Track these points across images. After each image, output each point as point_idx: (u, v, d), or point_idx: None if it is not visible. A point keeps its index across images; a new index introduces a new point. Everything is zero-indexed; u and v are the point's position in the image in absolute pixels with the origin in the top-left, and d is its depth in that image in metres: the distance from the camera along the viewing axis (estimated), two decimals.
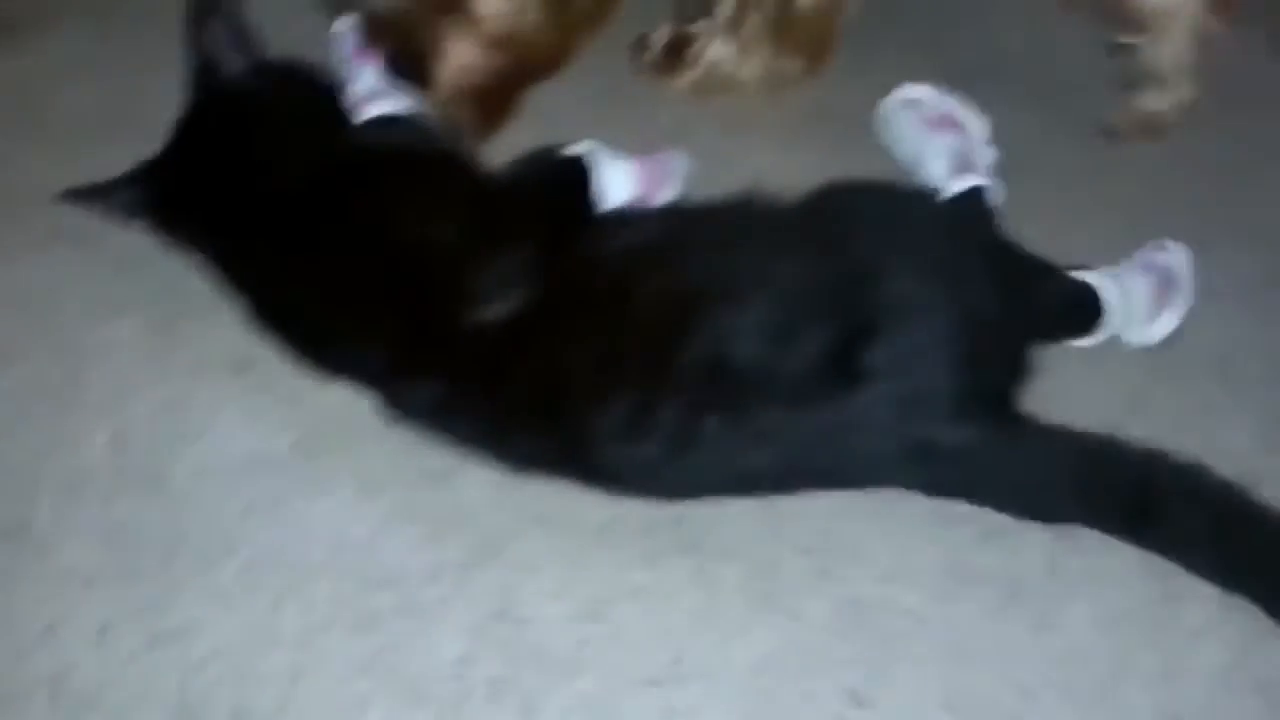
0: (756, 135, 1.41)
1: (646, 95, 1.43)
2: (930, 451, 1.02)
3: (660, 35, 1.44)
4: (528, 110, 1.37)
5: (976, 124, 1.37)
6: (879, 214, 1.13)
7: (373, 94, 1.25)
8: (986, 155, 1.34)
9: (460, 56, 1.25)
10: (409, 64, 1.26)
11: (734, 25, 1.38)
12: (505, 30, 1.23)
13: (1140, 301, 1.20)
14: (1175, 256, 1.26)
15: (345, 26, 1.34)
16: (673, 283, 1.03)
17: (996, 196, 1.28)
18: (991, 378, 1.05)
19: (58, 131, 1.33)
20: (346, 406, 1.08)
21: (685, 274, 1.04)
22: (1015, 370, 1.09)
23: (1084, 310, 1.17)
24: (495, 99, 1.30)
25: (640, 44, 1.46)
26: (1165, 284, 1.23)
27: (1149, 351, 1.21)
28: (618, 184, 1.21)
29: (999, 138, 1.34)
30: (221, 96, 1.16)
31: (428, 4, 1.22)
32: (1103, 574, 1.03)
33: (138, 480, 1.03)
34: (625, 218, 1.15)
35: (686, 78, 1.43)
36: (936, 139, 1.34)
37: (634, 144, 1.33)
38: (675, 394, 0.98)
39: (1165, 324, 1.22)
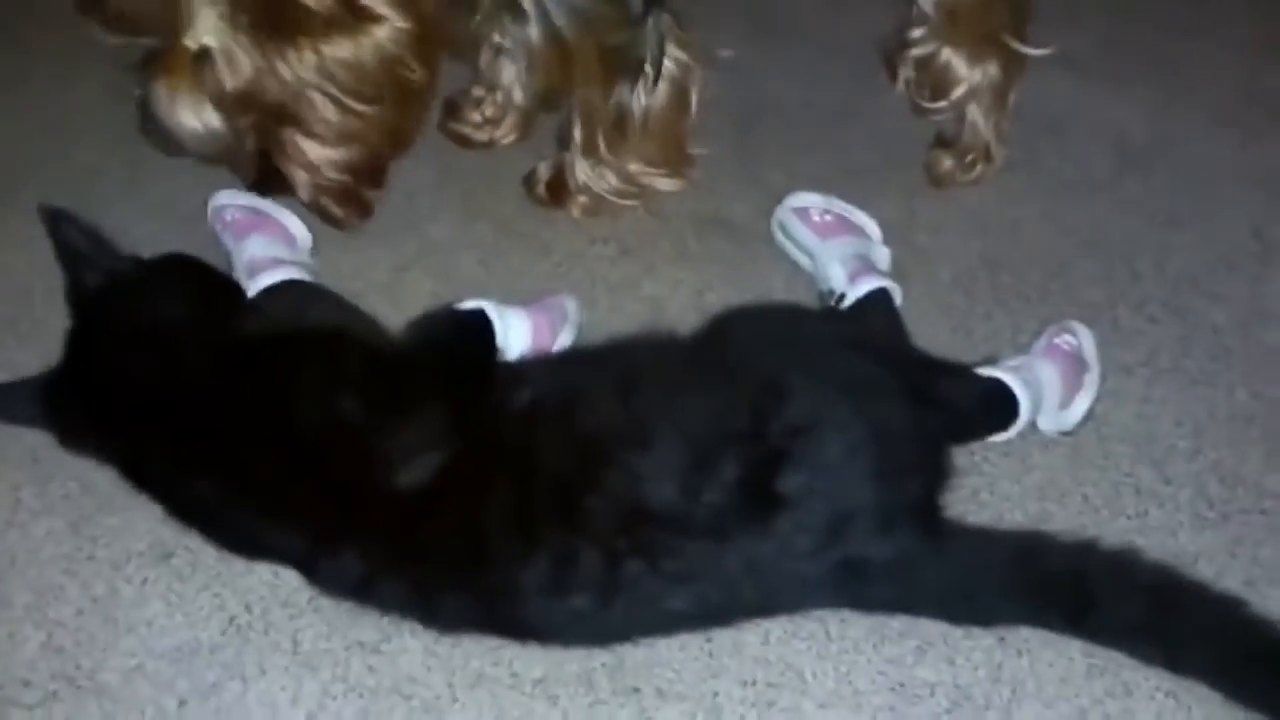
0: (653, 254, 1.43)
1: (536, 231, 1.46)
2: (858, 570, 1.01)
3: (544, 169, 1.48)
4: (422, 259, 1.41)
5: (871, 225, 1.40)
6: (775, 336, 1.14)
7: (261, 264, 1.27)
8: (883, 255, 1.38)
9: (308, 161, 1.30)
10: (269, 180, 1.33)
11: (587, 146, 1.42)
12: (341, 127, 1.27)
13: (1052, 389, 1.21)
14: (1081, 338, 1.28)
15: (220, 200, 1.37)
16: (579, 431, 1.03)
17: (897, 295, 1.31)
18: (910, 488, 1.05)
19: None
20: (273, 584, 1.07)
21: (591, 421, 1.03)
22: (934, 476, 1.09)
23: (998, 407, 1.18)
24: (355, 187, 1.35)
25: (530, 179, 1.50)
26: (1074, 368, 1.24)
27: (1069, 437, 1.22)
28: (516, 336, 1.22)
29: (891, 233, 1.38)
30: (99, 302, 1.16)
31: (266, 123, 1.26)
32: (1048, 675, 1.03)
33: (72, 682, 1.01)
34: (526, 368, 1.16)
35: (573, 204, 1.46)
36: (831, 244, 1.36)
37: (532, 281, 1.37)
38: (594, 543, 0.98)
39: (1079, 408, 1.23)
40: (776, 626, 1.05)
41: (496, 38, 1.44)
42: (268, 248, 1.30)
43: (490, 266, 1.40)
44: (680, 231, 1.45)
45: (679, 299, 1.37)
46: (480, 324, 1.19)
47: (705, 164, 1.50)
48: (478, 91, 1.56)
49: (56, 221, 1.19)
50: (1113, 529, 1.13)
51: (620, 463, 0.99)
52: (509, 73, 1.51)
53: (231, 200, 1.37)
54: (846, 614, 1.06)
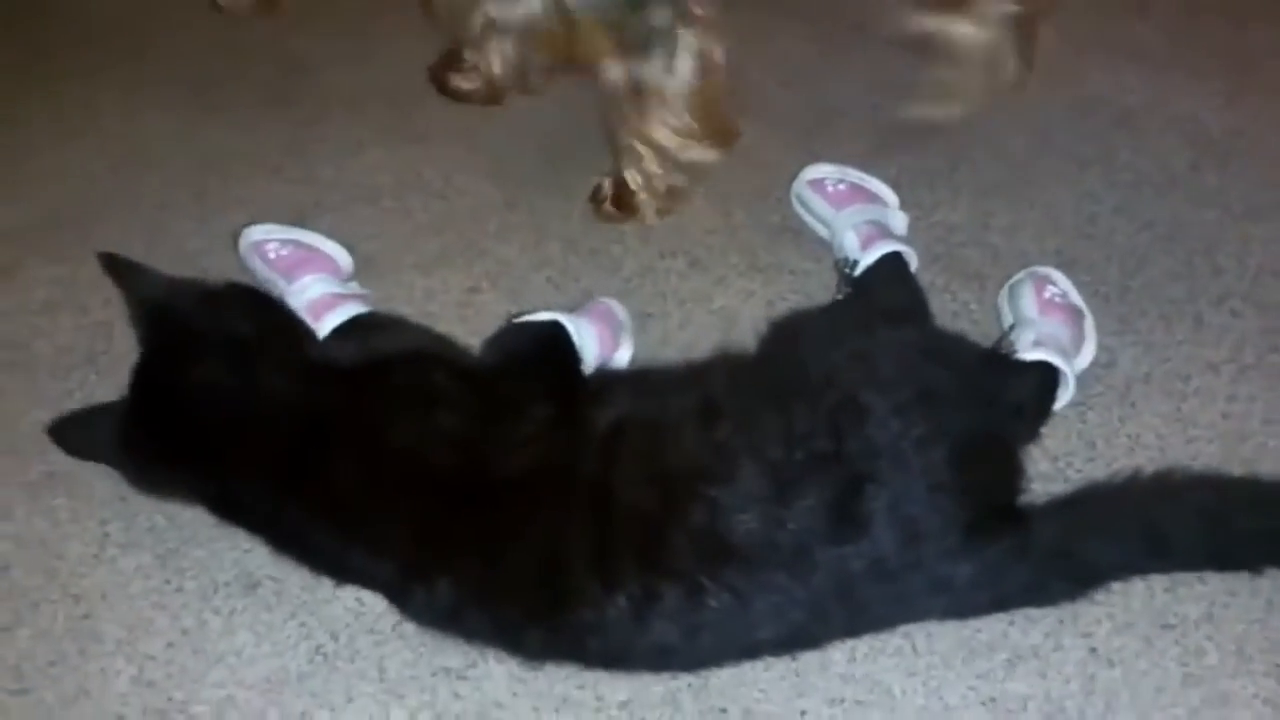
0: (723, 266, 1.42)
1: (605, 247, 1.45)
2: (945, 586, 1.00)
3: (606, 184, 1.48)
4: (493, 280, 1.40)
5: (886, 192, 1.41)
6: (847, 348, 1.12)
7: (323, 303, 1.26)
8: (899, 221, 1.38)
9: None
10: None
11: (622, 130, 1.43)
12: None
13: (1068, 345, 1.21)
14: (1062, 284, 1.28)
15: (256, 235, 1.35)
16: (660, 461, 1.02)
17: (911, 259, 1.31)
18: (989, 498, 1.04)
19: (44, 369, 1.34)
20: (359, 611, 1.08)
21: (672, 451, 1.03)
22: (1011, 482, 1.08)
23: (1050, 388, 1.18)
24: None
25: (595, 196, 1.50)
26: (1073, 318, 1.25)
27: (1086, 389, 1.22)
28: (588, 345, 1.22)
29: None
30: (168, 334, 1.16)
31: None
32: (1142, 685, 1.01)
33: (164, 716, 1.03)
34: (603, 389, 1.14)
35: (641, 208, 1.46)
36: (845, 212, 1.36)
37: (608, 294, 1.36)
38: (677, 579, 0.97)
39: (1088, 354, 1.24)
40: (863, 643, 1.04)
41: (489, 9, 1.43)
42: (324, 284, 1.29)
43: (560, 285, 1.40)
44: (750, 243, 1.44)
45: (750, 311, 1.36)
46: (559, 335, 1.19)
47: (772, 173, 1.50)
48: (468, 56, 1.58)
49: (113, 264, 1.22)
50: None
51: (702, 495, 0.98)
52: (494, 46, 1.50)
53: (269, 235, 1.36)
54: (934, 628, 1.05)
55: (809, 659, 1.03)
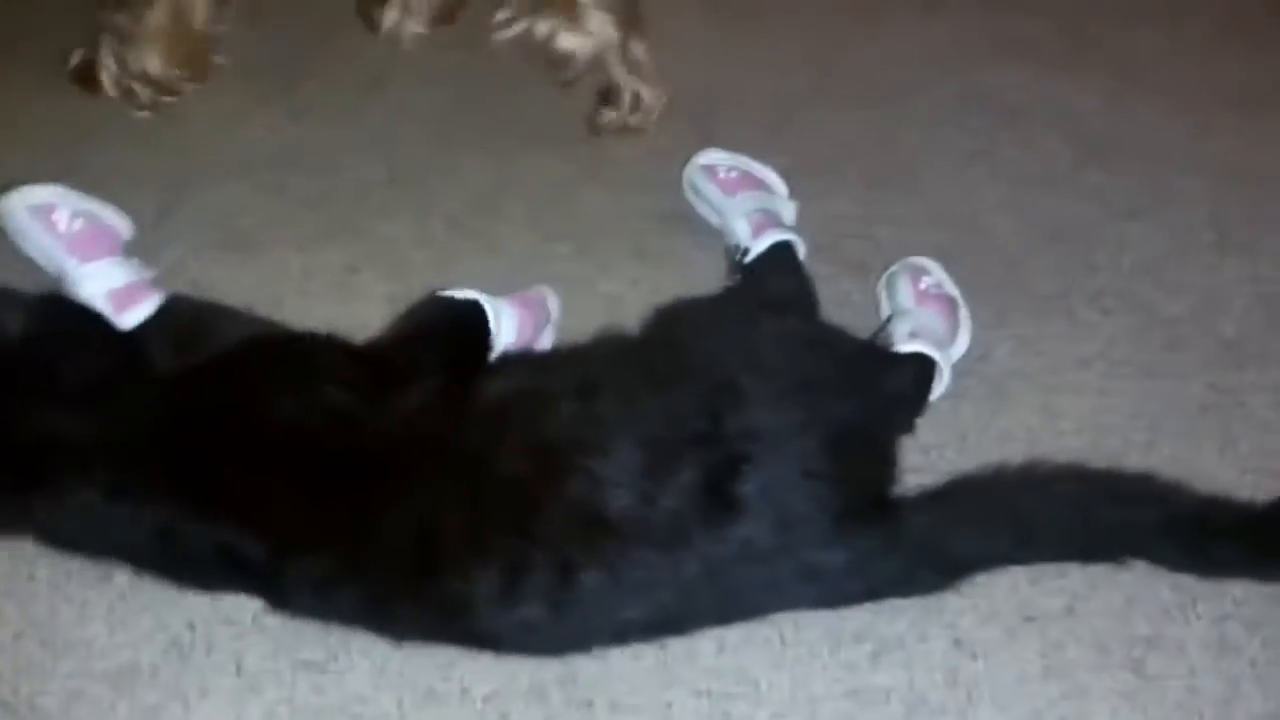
0: (609, 251, 1.41)
1: (490, 228, 1.43)
2: (816, 573, 1.01)
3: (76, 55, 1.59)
4: (374, 259, 1.37)
5: (776, 181, 1.41)
6: (729, 334, 1.14)
7: (127, 293, 1.18)
8: (789, 210, 1.39)
9: None
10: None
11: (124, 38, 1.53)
12: None
13: (945, 338, 1.23)
14: (936, 273, 1.30)
15: (32, 203, 1.22)
16: (537, 436, 1.02)
17: (800, 248, 1.32)
18: (862, 486, 1.05)
19: None
20: (215, 603, 1.05)
21: (549, 426, 1.02)
22: (883, 471, 1.09)
23: (926, 379, 1.19)
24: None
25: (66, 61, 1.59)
26: (948, 307, 1.27)
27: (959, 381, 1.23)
28: (506, 329, 1.21)
29: None
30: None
31: None
32: (1003, 678, 1.02)
33: (10, 708, 0.99)
34: (487, 369, 1.14)
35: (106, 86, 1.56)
36: (736, 199, 1.37)
37: (487, 281, 1.30)
38: (549, 551, 0.96)
39: (963, 343, 1.26)
40: (731, 634, 1.04)
41: None
42: (123, 271, 1.19)
43: (443, 266, 1.38)
44: (638, 228, 1.44)
45: (637, 297, 1.34)
46: (475, 314, 1.18)
47: (663, 158, 1.49)
48: None
49: None
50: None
51: (578, 468, 0.98)
52: None
53: (55, 200, 1.23)
54: (801, 618, 1.05)
55: (677, 650, 1.03)
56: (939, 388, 1.21)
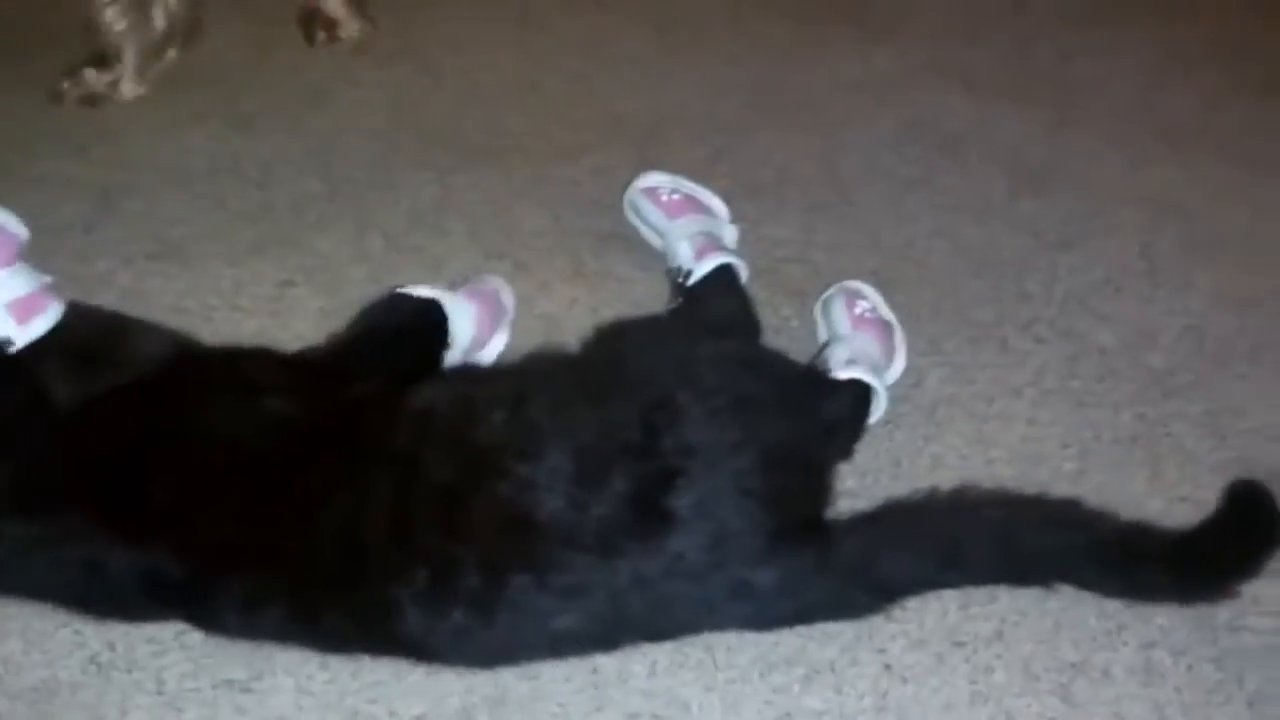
0: (548, 271, 1.41)
1: (429, 245, 1.43)
2: (747, 591, 1.01)
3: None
4: (310, 274, 1.36)
5: (717, 204, 1.42)
6: (668, 352, 1.13)
7: (30, 302, 1.10)
8: (730, 233, 1.40)
9: None
10: None
11: None
12: None
13: (881, 364, 1.25)
14: (871, 297, 1.32)
15: None
16: (468, 441, 1.01)
17: (742, 271, 1.33)
18: (795, 508, 1.05)
19: None
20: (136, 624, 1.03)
21: (480, 431, 1.01)
22: (818, 493, 1.10)
23: (863, 405, 1.20)
24: None
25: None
26: (884, 331, 1.29)
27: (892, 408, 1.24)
28: (463, 327, 1.22)
29: None
30: None
31: None
32: (932, 702, 1.02)
33: None
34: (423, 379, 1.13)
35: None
36: (679, 222, 1.38)
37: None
38: (477, 554, 0.96)
39: (898, 367, 1.28)
40: (664, 656, 1.03)
41: None
42: (25, 279, 1.11)
43: (381, 281, 1.36)
44: (577, 248, 1.44)
45: (575, 317, 1.35)
46: (434, 311, 1.19)
47: (604, 178, 1.49)
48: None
49: None
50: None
51: (508, 472, 0.97)
52: None
53: None
54: (733, 641, 1.05)
55: (608, 672, 1.02)
56: (877, 412, 1.22)
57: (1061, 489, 1.19)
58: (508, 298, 1.31)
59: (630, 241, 1.43)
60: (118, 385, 1.07)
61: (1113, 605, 1.09)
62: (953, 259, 1.46)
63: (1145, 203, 1.56)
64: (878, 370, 1.22)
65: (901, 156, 1.60)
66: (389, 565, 0.96)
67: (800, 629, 1.06)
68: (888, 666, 1.05)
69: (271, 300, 1.33)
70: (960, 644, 1.07)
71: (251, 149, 1.51)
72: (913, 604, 1.08)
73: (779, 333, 1.33)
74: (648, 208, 1.40)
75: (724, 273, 1.31)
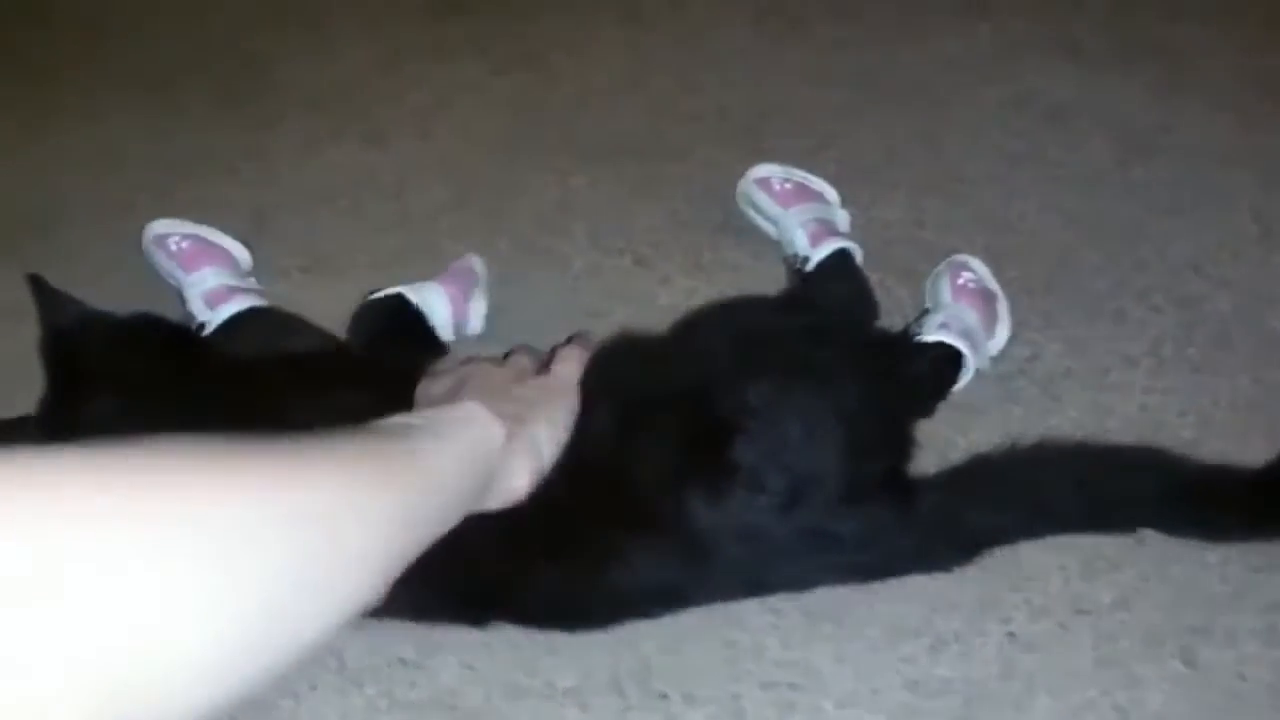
0: (668, 265, 1.46)
1: (554, 246, 1.49)
2: (829, 542, 1.05)
3: None
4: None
5: (829, 190, 1.46)
6: (737, 329, 1.19)
7: (219, 294, 1.33)
8: (843, 218, 1.45)
9: None
10: None
11: None
12: None
13: (978, 331, 1.28)
14: (978, 269, 1.35)
15: (159, 229, 1.40)
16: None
17: (857, 254, 1.37)
18: (873, 461, 1.09)
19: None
20: None
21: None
22: (897, 449, 1.14)
23: (948, 368, 1.25)
24: None
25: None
26: (986, 302, 1.32)
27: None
28: (438, 310, 1.33)
29: None
30: (70, 371, 1.20)
31: None
32: (1058, 668, 1.07)
33: None
34: None
35: None
36: (793, 210, 1.42)
37: (551, 295, 1.42)
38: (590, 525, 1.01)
39: (1002, 337, 1.31)
40: (796, 630, 1.10)
41: None
42: (220, 276, 1.35)
43: (510, 283, 1.45)
44: (693, 240, 1.49)
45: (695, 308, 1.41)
46: (402, 306, 1.30)
47: (714, 171, 1.55)
48: None
49: (37, 287, 1.26)
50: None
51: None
52: None
53: (172, 229, 1.40)
54: (863, 613, 1.11)
55: (744, 645, 1.09)
56: (965, 376, 1.26)
57: None
58: (478, 265, 1.40)
59: (745, 231, 1.49)
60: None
61: (1235, 569, 1.12)
62: (1065, 231, 1.48)
63: (1257, 165, 1.55)
64: (970, 335, 1.26)
65: (1008, 130, 1.62)
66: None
67: (925, 601, 1.11)
68: (1012, 635, 1.09)
69: None
70: (1084, 612, 1.11)
71: (385, 162, 1.60)
72: (1035, 573, 1.13)
73: (891, 314, 1.37)
74: (761, 198, 1.46)
75: (841, 257, 1.36)
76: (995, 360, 1.30)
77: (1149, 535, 1.15)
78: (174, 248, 1.38)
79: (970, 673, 1.07)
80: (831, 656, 1.09)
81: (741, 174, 1.48)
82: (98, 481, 0.48)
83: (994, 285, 1.34)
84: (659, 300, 1.42)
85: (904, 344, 1.25)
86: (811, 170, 1.48)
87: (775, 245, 1.45)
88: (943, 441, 1.23)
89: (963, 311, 1.29)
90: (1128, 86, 1.68)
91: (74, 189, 1.60)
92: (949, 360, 1.25)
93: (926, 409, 1.24)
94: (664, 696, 1.07)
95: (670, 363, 1.14)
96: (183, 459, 0.52)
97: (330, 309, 1.34)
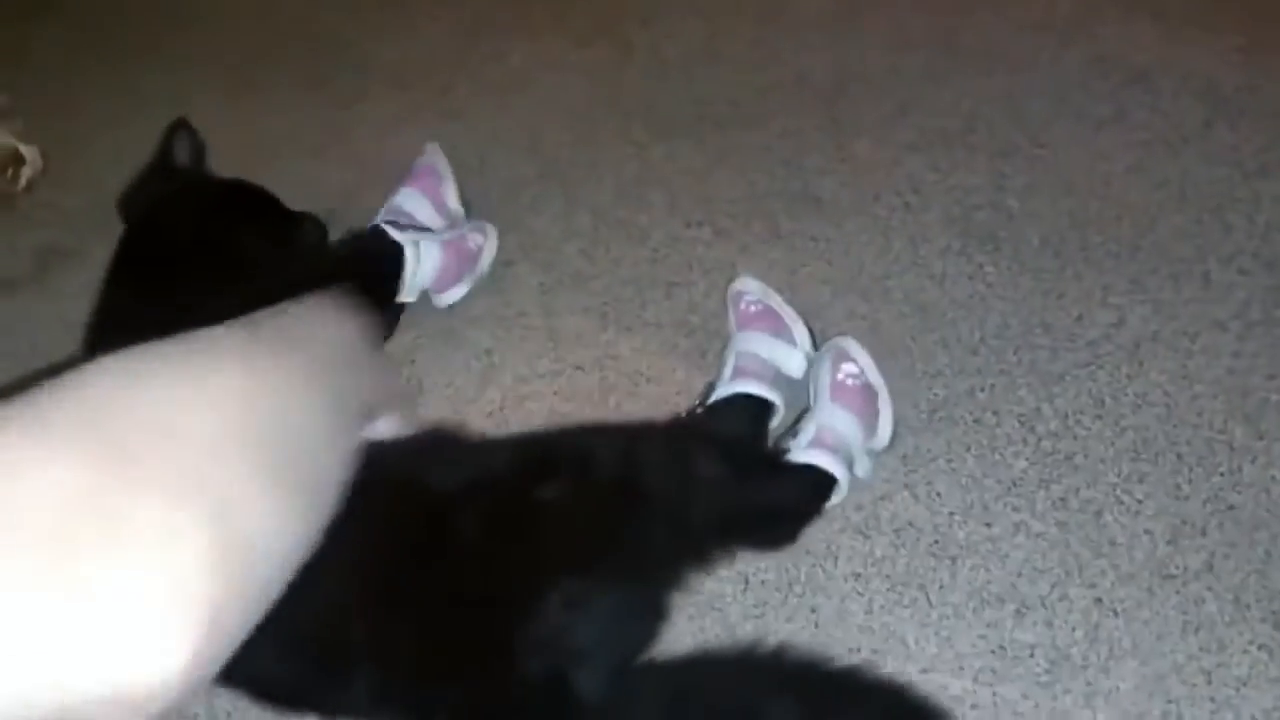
0: (746, 235, 1.46)
1: (632, 218, 1.50)
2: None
3: None
4: (527, 253, 1.46)
5: (799, 329, 1.29)
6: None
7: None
8: (798, 362, 1.27)
9: None
10: None
11: None
12: None
13: (853, 439, 1.18)
14: (858, 358, 1.23)
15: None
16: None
17: (777, 412, 1.23)
18: None
19: None
20: None
21: None
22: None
23: (819, 494, 1.16)
24: None
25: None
26: (866, 400, 1.22)
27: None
28: (427, 267, 1.37)
29: None
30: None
31: None
32: (1144, 633, 1.07)
33: None
34: None
35: None
36: (740, 336, 1.29)
37: (631, 266, 1.42)
38: None
39: (885, 431, 1.21)
40: (880, 596, 1.11)
41: None
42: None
43: (591, 256, 1.47)
44: (771, 210, 1.50)
45: (774, 278, 1.41)
46: (398, 253, 1.35)
47: (791, 141, 1.55)
48: None
49: (177, 130, 1.42)
50: (1206, 487, 1.17)
51: None
52: None
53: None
54: (945, 579, 1.12)
55: (827, 611, 1.11)
56: (838, 495, 1.17)
57: (1269, 422, 1.21)
58: (487, 256, 1.45)
59: (825, 201, 1.49)
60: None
61: None
62: (1150, 195, 1.45)
63: None
64: (844, 447, 1.17)
65: (1091, 94, 1.59)
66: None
67: (1010, 567, 1.12)
68: (1098, 600, 1.10)
69: (496, 279, 1.45)
70: (1170, 576, 1.11)
71: (467, 137, 1.62)
72: (1121, 539, 1.13)
73: (973, 280, 1.37)
74: (729, 310, 1.35)
75: (745, 402, 1.22)
76: (1078, 325, 1.29)
77: (1238, 500, 1.14)
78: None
79: (1055, 638, 1.08)
80: (916, 622, 1.10)
81: (821, 144, 1.48)
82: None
83: (875, 378, 1.23)
84: (739, 270, 1.43)
85: (768, 474, 1.17)
86: (889, 137, 1.47)
87: (853, 213, 1.46)
88: (1030, 411, 1.23)
89: (838, 418, 1.18)
90: (1212, 47, 1.64)
91: None
92: (819, 485, 1.16)
93: (790, 535, 1.16)
94: None
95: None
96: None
97: None
